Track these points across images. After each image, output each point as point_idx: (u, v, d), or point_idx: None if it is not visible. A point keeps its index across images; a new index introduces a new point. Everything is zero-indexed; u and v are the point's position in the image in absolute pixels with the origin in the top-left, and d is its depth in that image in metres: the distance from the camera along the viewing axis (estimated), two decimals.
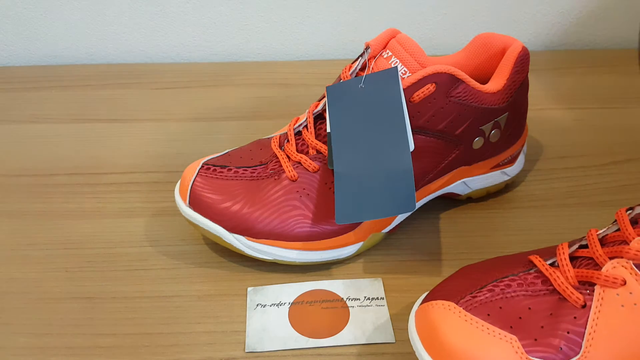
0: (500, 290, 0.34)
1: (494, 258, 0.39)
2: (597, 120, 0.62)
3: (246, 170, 0.45)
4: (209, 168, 0.45)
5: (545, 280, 0.34)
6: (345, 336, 0.40)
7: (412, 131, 0.43)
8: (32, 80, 0.70)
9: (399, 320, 0.41)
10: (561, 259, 0.35)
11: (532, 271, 0.35)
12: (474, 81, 0.44)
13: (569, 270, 0.34)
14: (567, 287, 0.33)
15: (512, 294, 0.34)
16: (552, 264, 0.35)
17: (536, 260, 0.36)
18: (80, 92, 0.68)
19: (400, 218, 0.47)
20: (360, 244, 0.46)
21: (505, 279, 0.35)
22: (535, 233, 0.48)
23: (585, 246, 0.35)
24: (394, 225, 0.47)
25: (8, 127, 0.62)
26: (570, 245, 0.36)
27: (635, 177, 0.54)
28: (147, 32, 0.73)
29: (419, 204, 0.48)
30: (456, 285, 0.36)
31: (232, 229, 0.43)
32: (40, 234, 0.49)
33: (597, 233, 0.35)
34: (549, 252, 0.36)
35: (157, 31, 0.73)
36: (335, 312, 0.42)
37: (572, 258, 0.35)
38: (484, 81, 0.50)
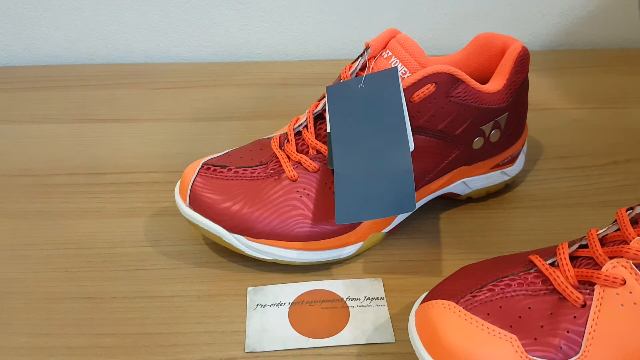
0: (500, 289, 0.34)
1: (494, 258, 0.39)
2: (597, 120, 0.62)
3: (246, 170, 0.45)
4: (209, 168, 0.45)
5: (545, 280, 0.34)
6: (345, 336, 0.40)
7: (412, 131, 0.43)
8: (32, 80, 0.70)
9: (399, 320, 0.41)
10: (561, 259, 0.35)
11: (532, 271, 0.35)
12: (474, 81, 0.44)
13: (568, 269, 0.34)
14: (567, 287, 0.33)
15: (512, 294, 0.34)
16: (552, 264, 0.35)
17: (536, 260, 0.36)
18: (80, 92, 0.68)
19: (400, 218, 0.47)
20: (360, 244, 0.46)
21: (505, 279, 0.35)
22: (535, 233, 0.48)
23: (585, 246, 0.35)
24: (394, 225, 0.47)
25: (8, 127, 0.62)
26: (570, 245, 0.36)
27: (635, 177, 0.54)
28: (147, 32, 0.73)
29: (419, 204, 0.48)
30: (456, 285, 0.36)
31: (232, 229, 0.43)
32: (40, 234, 0.49)
33: (597, 233, 0.35)
34: (549, 252, 0.36)
35: (157, 31, 0.73)
36: (335, 312, 0.42)
37: (572, 258, 0.35)
38: (484, 81, 0.50)
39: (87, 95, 0.67)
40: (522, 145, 0.52)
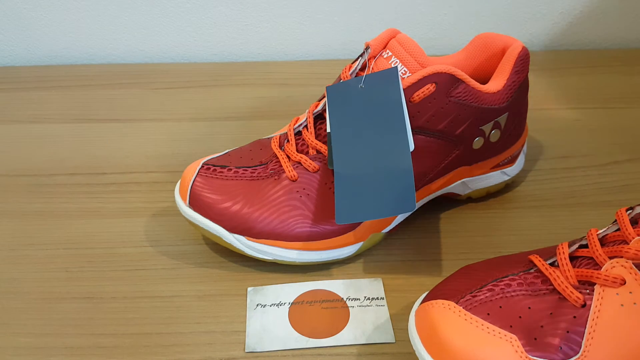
0: (500, 289, 0.34)
1: (494, 258, 0.39)
2: (597, 120, 0.62)
3: (246, 170, 0.45)
4: (209, 168, 0.45)
5: (545, 280, 0.34)
6: (345, 336, 0.40)
7: (412, 131, 0.43)
8: (32, 80, 0.70)
9: (399, 320, 0.41)
10: (561, 259, 0.35)
11: (532, 271, 0.35)
12: (474, 81, 0.44)
13: (568, 269, 0.34)
14: (566, 287, 0.33)
15: (512, 294, 0.34)
16: (552, 264, 0.35)
17: (536, 259, 0.36)
18: (80, 92, 0.68)
19: (400, 218, 0.47)
20: (360, 244, 0.46)
21: (505, 279, 0.35)
22: (535, 233, 0.48)
23: (585, 246, 0.35)
24: (394, 225, 0.47)
25: (8, 127, 0.62)
26: (570, 245, 0.36)
27: (635, 177, 0.54)
28: (147, 32, 0.73)
29: (419, 204, 0.48)
30: (456, 285, 0.36)
31: (232, 229, 0.43)
32: (40, 234, 0.49)
33: (597, 233, 0.35)
34: (549, 252, 0.36)
35: (157, 31, 0.73)
36: (335, 312, 0.42)
37: (572, 258, 0.35)
38: (484, 81, 0.50)
39: (87, 95, 0.67)
40: (522, 145, 0.52)
